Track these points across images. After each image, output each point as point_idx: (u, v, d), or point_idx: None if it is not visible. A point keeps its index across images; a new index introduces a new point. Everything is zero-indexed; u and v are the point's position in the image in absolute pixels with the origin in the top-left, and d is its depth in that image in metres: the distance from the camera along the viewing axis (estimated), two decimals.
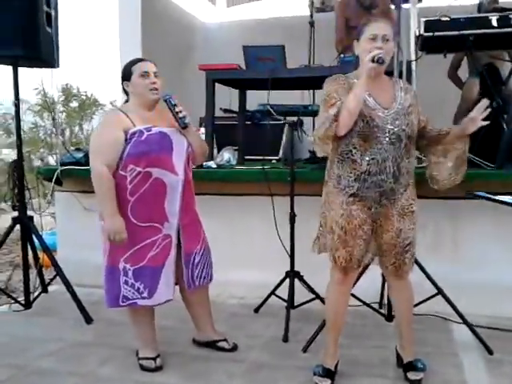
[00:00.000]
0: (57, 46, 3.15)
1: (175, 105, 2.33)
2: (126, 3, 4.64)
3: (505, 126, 3.28)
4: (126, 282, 2.32)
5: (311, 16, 4.46)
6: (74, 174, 3.55)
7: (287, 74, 3.49)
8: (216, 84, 3.78)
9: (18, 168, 3.10)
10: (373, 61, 1.99)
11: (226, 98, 4.93)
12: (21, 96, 3.13)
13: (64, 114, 6.94)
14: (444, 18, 3.30)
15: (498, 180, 2.92)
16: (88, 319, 3.01)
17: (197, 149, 2.44)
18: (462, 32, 3.24)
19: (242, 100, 4.32)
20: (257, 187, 3.23)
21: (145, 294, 2.32)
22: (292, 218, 2.89)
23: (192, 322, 2.64)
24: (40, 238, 3.14)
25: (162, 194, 2.31)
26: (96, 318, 3.04)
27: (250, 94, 4.24)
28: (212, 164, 3.35)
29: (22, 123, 3.31)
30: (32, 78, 3.75)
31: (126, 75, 2.38)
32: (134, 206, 2.28)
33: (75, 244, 3.68)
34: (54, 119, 4.39)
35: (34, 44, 2.89)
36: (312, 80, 3.39)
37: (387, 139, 2.08)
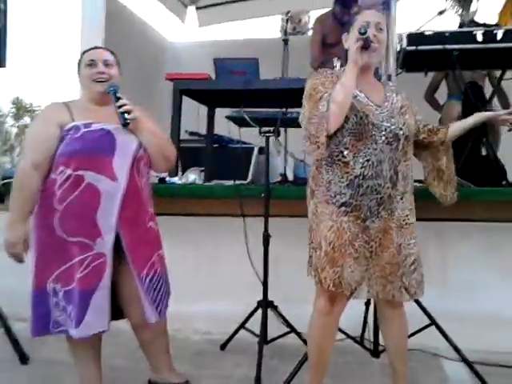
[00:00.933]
0: (3, 44, 2.80)
1: (119, 98, 2.00)
2: (89, 15, 4.34)
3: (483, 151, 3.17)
4: (56, 305, 1.92)
5: (285, 34, 4.27)
6: None
7: (262, 85, 3.23)
8: (183, 103, 3.49)
9: None
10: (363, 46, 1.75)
11: (193, 119, 4.68)
12: None
13: (14, 129, 6.49)
14: (427, 32, 3.14)
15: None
16: (23, 359, 2.55)
17: (154, 151, 2.07)
18: (446, 46, 3.08)
19: (211, 119, 4.05)
20: (226, 207, 2.90)
21: (73, 323, 1.91)
22: (266, 238, 2.55)
23: (147, 361, 2.22)
24: None
25: (94, 204, 1.92)
26: (35, 357, 2.58)
27: (218, 116, 3.97)
28: (177, 180, 3.00)
29: None
30: None
31: (78, 68, 2.07)
32: (62, 216, 1.91)
33: (18, 271, 3.22)
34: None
35: None
36: (289, 94, 3.13)
37: (383, 138, 1.82)
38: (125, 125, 1.97)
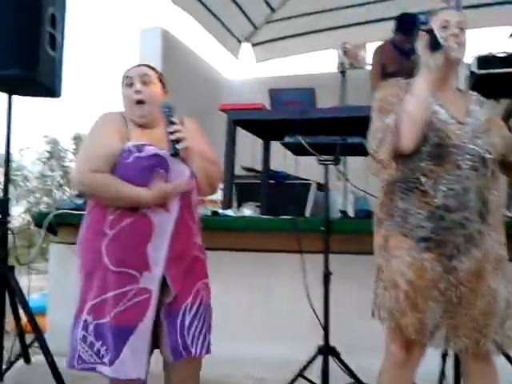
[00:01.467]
0: (60, 74, 2.80)
1: (172, 122, 1.81)
2: (146, 51, 4.40)
3: None
4: (83, 339, 1.75)
5: (343, 64, 4.14)
6: (72, 221, 3.06)
7: (319, 114, 3.07)
8: (238, 137, 3.38)
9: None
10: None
11: (248, 154, 4.57)
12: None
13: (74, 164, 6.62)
14: (499, 54, 2.91)
15: None
16: None
17: (200, 175, 1.89)
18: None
19: (266, 153, 3.92)
20: (283, 242, 2.70)
21: (105, 359, 1.73)
22: (326, 277, 2.31)
23: None
24: (19, 292, 2.60)
25: (146, 235, 1.77)
26: None
27: (275, 149, 3.83)
28: (230, 212, 2.84)
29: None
30: (42, 125, 3.40)
31: (121, 87, 1.94)
32: (110, 242, 1.77)
33: (70, 307, 3.13)
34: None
35: (33, 64, 2.52)
36: (349, 122, 2.95)
37: (468, 163, 1.57)
38: (174, 155, 1.79)
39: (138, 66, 1.95)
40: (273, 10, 5.32)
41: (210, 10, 4.90)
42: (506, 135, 1.71)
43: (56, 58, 2.75)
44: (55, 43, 2.74)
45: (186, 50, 4.92)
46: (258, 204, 3.59)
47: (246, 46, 5.71)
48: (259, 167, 4.16)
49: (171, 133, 1.80)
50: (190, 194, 1.88)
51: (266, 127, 3.44)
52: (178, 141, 1.78)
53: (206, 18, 4.96)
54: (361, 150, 2.54)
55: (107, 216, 1.78)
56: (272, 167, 4.07)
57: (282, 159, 3.81)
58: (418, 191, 1.59)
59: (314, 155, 2.45)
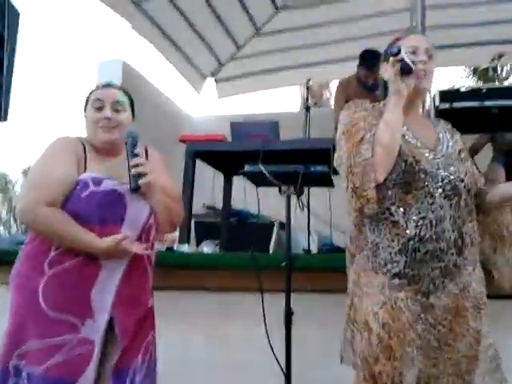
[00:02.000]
0: (7, 97, 2.62)
1: (135, 154, 1.64)
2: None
3: None
4: None
5: (307, 100, 4.09)
6: (11, 258, 2.79)
7: (283, 145, 2.96)
8: (199, 173, 3.22)
9: None
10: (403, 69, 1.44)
11: (208, 190, 4.41)
12: None
13: None
14: (462, 88, 2.89)
15: None
16: None
17: (160, 212, 1.73)
18: (484, 103, 2.81)
19: (228, 190, 3.78)
20: (242, 280, 2.51)
21: None
22: (288, 316, 2.12)
23: None
24: None
25: (91, 277, 1.57)
26: None
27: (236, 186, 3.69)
28: (185, 248, 2.64)
29: None
30: None
31: (84, 105, 1.77)
32: (50, 283, 1.55)
33: None
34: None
35: None
36: (313, 153, 2.85)
37: (440, 191, 1.45)
38: (135, 190, 1.63)
39: (109, 86, 1.77)
40: (238, 46, 5.30)
41: (175, 44, 4.84)
42: (477, 172, 1.62)
43: (2, 80, 2.60)
44: (1, 64, 2.59)
45: (146, 83, 4.80)
46: (218, 242, 3.41)
47: (209, 82, 5.65)
48: (220, 204, 4.01)
49: (133, 166, 1.63)
50: (148, 235, 1.69)
51: (227, 160, 3.30)
52: (139, 175, 1.62)
53: (170, 51, 4.89)
54: (324, 180, 2.45)
55: (49, 251, 1.57)
56: (233, 203, 3.93)
57: (244, 194, 3.68)
58: (388, 222, 1.46)
59: (275, 186, 2.31)
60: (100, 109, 1.70)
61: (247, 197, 3.53)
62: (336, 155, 1.56)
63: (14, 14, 2.78)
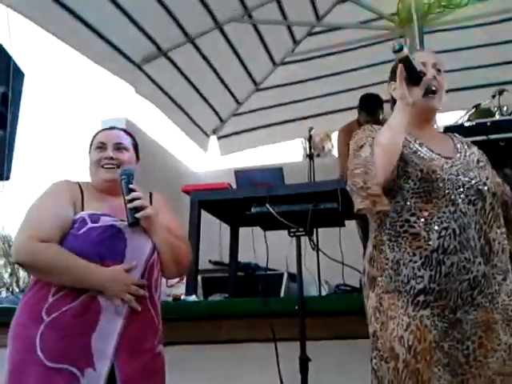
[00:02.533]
0: (9, 154, 2.62)
1: (131, 189, 1.61)
2: None
3: None
4: None
5: (310, 148, 4.09)
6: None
7: (289, 190, 2.91)
8: (204, 228, 3.16)
9: None
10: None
11: (215, 245, 4.33)
12: None
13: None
14: (467, 123, 2.87)
15: None
16: None
17: (165, 252, 1.65)
18: (490, 137, 2.78)
19: (234, 242, 3.70)
20: (253, 330, 2.38)
21: None
22: (304, 363, 1.98)
23: None
24: None
25: (91, 322, 1.47)
26: None
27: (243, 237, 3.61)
28: (193, 298, 2.53)
29: None
30: None
31: (89, 149, 1.76)
32: (46, 330, 1.45)
33: None
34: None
35: None
36: (319, 195, 2.79)
37: (463, 196, 1.38)
38: (132, 224, 1.58)
39: (111, 129, 1.78)
40: (238, 102, 5.39)
41: (177, 104, 4.92)
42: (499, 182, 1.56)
43: (5, 138, 2.61)
44: (5, 121, 2.61)
45: (150, 141, 4.85)
46: (226, 295, 3.29)
47: (212, 139, 5.71)
48: (226, 257, 3.92)
49: (130, 201, 1.58)
50: (150, 273, 1.60)
51: (232, 208, 3.23)
52: (137, 209, 1.57)
53: (173, 111, 4.96)
54: (334, 219, 2.37)
55: (47, 298, 1.49)
56: (241, 255, 3.84)
57: (251, 244, 3.59)
58: (408, 235, 1.38)
59: (284, 228, 2.24)
60: (102, 149, 1.69)
61: (255, 247, 3.46)
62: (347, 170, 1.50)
63: (19, 75, 2.84)
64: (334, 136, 5.43)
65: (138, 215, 1.57)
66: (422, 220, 1.36)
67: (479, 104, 3.21)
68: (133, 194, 1.60)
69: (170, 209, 1.81)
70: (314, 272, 3.50)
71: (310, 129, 4.13)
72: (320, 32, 5.06)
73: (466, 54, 4.73)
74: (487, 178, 1.44)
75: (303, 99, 5.32)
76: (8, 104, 2.66)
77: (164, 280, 3.03)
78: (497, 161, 2.91)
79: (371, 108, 3.70)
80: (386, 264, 1.41)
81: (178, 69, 4.62)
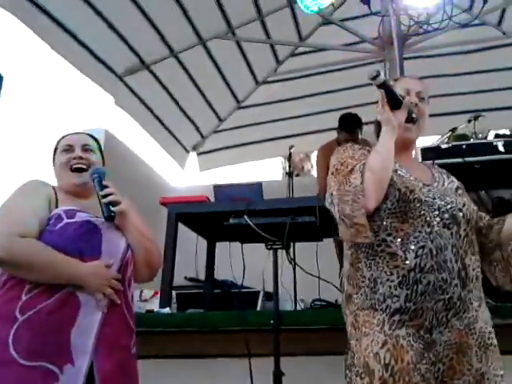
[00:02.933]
0: None
1: (104, 186, 1.61)
2: None
3: None
4: None
5: (289, 166, 4.11)
6: None
7: (268, 205, 2.91)
8: (179, 242, 3.12)
9: None
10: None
11: (190, 260, 4.28)
12: None
13: None
14: (443, 145, 2.93)
15: None
16: None
17: (139, 254, 1.63)
18: (466, 159, 2.83)
19: (211, 257, 3.66)
20: (228, 345, 2.34)
21: None
22: (277, 378, 1.94)
23: None
24: None
25: (70, 318, 1.43)
26: None
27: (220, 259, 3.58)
28: (167, 310, 2.48)
29: None
30: None
31: (53, 156, 1.74)
32: (19, 329, 1.39)
33: None
34: None
35: None
36: (298, 211, 2.79)
37: (438, 219, 1.38)
38: (109, 218, 1.57)
39: (78, 133, 1.77)
40: (220, 119, 5.41)
41: (158, 119, 4.90)
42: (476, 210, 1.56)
43: None
44: None
45: (130, 153, 4.80)
46: (202, 311, 3.24)
47: (192, 156, 5.68)
48: (202, 273, 3.88)
49: (104, 196, 1.58)
50: (126, 270, 1.59)
51: (210, 223, 3.21)
52: (112, 204, 1.57)
53: (153, 125, 4.93)
54: (311, 234, 2.37)
55: (20, 297, 1.43)
56: (217, 271, 3.80)
57: (228, 263, 3.55)
58: (385, 255, 1.38)
59: (261, 241, 2.23)
60: (70, 151, 1.68)
61: (232, 263, 3.43)
62: (327, 195, 1.51)
63: None
64: (314, 156, 5.46)
65: (114, 209, 1.57)
66: (399, 240, 1.37)
67: (455, 128, 3.29)
68: (107, 190, 1.59)
69: (138, 213, 1.78)
70: (290, 289, 3.49)
71: (291, 147, 4.17)
72: (303, 53, 5.14)
73: (444, 80, 4.85)
74: (464, 205, 1.45)
75: (284, 118, 5.37)
76: None
77: (137, 294, 3.02)
78: (472, 183, 2.99)
79: (351, 127, 3.76)
80: (363, 282, 1.41)
81: (161, 83, 4.62)
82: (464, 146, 2.88)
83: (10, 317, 1.40)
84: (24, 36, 3.52)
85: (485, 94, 5.05)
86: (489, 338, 1.36)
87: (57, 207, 1.57)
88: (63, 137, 1.74)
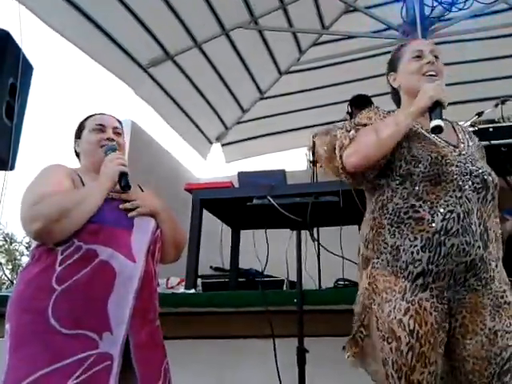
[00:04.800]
0: (16, 146, 2.65)
1: (127, 186, 1.64)
2: None
3: None
4: None
5: (313, 154, 4.10)
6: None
7: (292, 189, 2.92)
8: (206, 231, 3.16)
9: None
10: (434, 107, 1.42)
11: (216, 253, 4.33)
12: None
13: None
14: (469, 129, 2.89)
15: None
16: None
17: (167, 233, 1.69)
18: (492, 142, 2.79)
19: (235, 246, 3.69)
20: (252, 325, 2.38)
21: None
22: (301, 353, 1.97)
23: None
24: None
25: (106, 287, 1.47)
26: None
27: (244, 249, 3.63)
28: (192, 291, 2.53)
29: None
30: None
31: (77, 132, 1.79)
32: (58, 299, 1.43)
33: None
34: None
35: None
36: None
37: (470, 183, 1.40)
38: (126, 187, 1.63)
39: (106, 114, 1.81)
40: (243, 110, 5.44)
41: (182, 110, 4.96)
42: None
43: (12, 128, 2.63)
44: (13, 113, 2.64)
45: (155, 144, 4.88)
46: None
47: (215, 147, 5.74)
48: (227, 262, 3.91)
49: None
50: (155, 247, 1.64)
51: (234, 209, 3.24)
52: (125, 174, 1.63)
53: (177, 117, 5.00)
54: (334, 216, 2.38)
55: (53, 267, 1.47)
56: (242, 260, 3.84)
57: (253, 251, 3.59)
58: (411, 221, 1.39)
59: (285, 225, 2.25)
60: (101, 131, 1.72)
61: (257, 252, 3.46)
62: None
63: (28, 68, 2.88)
64: None
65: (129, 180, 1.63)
66: (428, 203, 1.38)
67: (482, 112, 3.23)
68: (117, 158, 1.64)
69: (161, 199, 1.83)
70: (314, 276, 3.51)
71: (314, 135, 4.16)
72: (325, 42, 5.13)
73: (471, 66, 4.77)
74: (491, 170, 1.48)
75: (308, 108, 5.36)
76: (16, 96, 2.69)
77: (164, 282, 3.08)
78: (499, 167, 2.95)
79: (360, 106, 3.78)
80: (385, 248, 1.42)
81: (184, 73, 4.66)
82: (491, 129, 2.84)
83: (47, 287, 1.45)
84: (47, 28, 3.59)
85: (509, 80, 4.95)
86: (502, 297, 1.37)
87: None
88: (90, 116, 1.79)
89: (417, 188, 1.40)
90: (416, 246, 1.37)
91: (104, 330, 1.44)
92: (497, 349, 1.32)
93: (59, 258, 1.48)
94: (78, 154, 1.79)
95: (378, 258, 1.43)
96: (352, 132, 1.46)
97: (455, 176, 1.40)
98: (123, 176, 1.62)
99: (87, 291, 1.46)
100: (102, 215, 1.54)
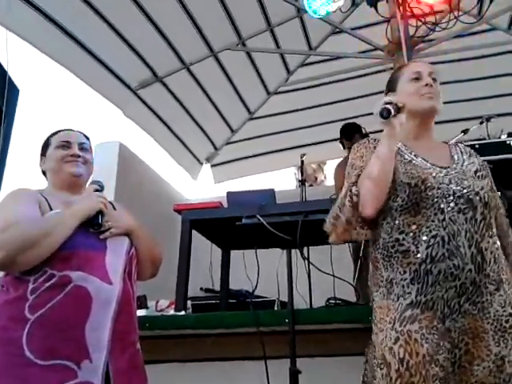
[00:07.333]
0: (1, 169, 2.62)
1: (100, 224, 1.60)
2: (101, 162, 4.30)
3: None
4: None
5: (302, 174, 4.12)
6: None
7: (281, 209, 2.90)
8: (194, 250, 3.14)
9: None
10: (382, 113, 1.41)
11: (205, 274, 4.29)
12: None
13: None
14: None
15: None
16: None
17: (143, 250, 1.67)
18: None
19: (226, 267, 3.66)
20: (244, 346, 2.33)
21: None
22: (294, 375, 1.93)
23: None
24: None
25: (82, 313, 1.42)
26: None
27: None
28: (182, 313, 2.49)
29: None
30: None
31: (43, 149, 1.75)
32: (32, 329, 1.38)
33: None
34: None
35: None
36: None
37: (452, 205, 1.38)
38: (96, 225, 1.57)
39: (72, 130, 1.78)
40: (232, 130, 5.45)
41: (171, 131, 4.96)
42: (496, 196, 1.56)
43: None
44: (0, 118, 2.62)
45: (144, 166, 4.87)
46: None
47: (205, 168, 5.73)
48: (217, 283, 3.87)
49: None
50: (131, 267, 1.59)
51: (224, 229, 3.21)
52: (103, 214, 1.59)
53: (166, 139, 4.99)
54: (324, 236, 2.36)
55: (25, 297, 1.42)
56: (232, 281, 3.80)
57: (243, 272, 3.55)
58: (398, 254, 1.40)
59: (274, 245, 2.23)
60: (66, 147, 1.68)
61: (247, 273, 3.43)
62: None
63: (14, 91, 2.87)
64: (327, 168, 5.45)
65: (100, 221, 1.57)
66: (411, 235, 1.38)
67: (467, 129, 3.27)
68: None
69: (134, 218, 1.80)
70: (305, 296, 3.47)
71: (302, 155, 4.19)
72: (313, 63, 5.19)
73: (455, 86, 4.84)
74: (482, 188, 1.44)
75: (297, 128, 5.39)
76: (2, 119, 2.67)
77: (153, 304, 3.02)
78: None
79: (348, 135, 3.83)
80: (381, 281, 1.44)
81: (173, 95, 4.68)
82: (477, 146, 2.86)
83: (20, 317, 1.39)
84: (35, 51, 3.59)
85: (496, 100, 5.03)
86: (507, 321, 1.34)
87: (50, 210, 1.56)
88: (56, 133, 1.75)
89: (397, 222, 1.41)
90: (406, 279, 1.37)
91: (82, 358, 1.38)
92: (505, 375, 1.30)
93: (30, 286, 1.43)
94: (44, 172, 1.74)
95: (376, 292, 1.46)
96: (354, 188, 1.45)
97: (435, 199, 1.39)
98: (99, 214, 1.58)
99: (62, 318, 1.40)
100: (74, 240, 1.49)
